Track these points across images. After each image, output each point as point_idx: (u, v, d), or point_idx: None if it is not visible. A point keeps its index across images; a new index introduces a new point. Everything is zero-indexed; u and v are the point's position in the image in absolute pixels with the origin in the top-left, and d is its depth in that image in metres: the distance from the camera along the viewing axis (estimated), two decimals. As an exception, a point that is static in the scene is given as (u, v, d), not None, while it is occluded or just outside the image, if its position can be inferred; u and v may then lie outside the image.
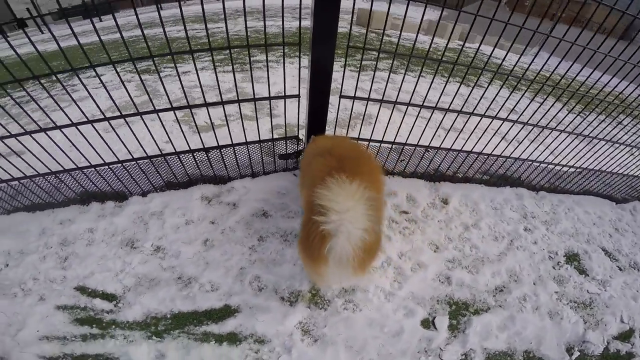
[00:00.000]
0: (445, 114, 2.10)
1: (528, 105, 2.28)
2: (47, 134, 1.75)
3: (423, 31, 11.07)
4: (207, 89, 3.89)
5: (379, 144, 2.37)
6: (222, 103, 1.93)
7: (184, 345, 1.60)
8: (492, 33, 1.68)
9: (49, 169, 2.00)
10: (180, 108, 1.90)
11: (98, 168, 2.09)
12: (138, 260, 1.93)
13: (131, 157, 2.09)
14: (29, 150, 1.81)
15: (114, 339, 1.61)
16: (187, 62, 4.86)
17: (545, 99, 2.10)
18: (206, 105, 1.91)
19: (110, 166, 2.09)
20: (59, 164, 1.97)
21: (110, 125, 1.80)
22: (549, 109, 2.19)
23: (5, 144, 1.69)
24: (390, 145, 2.36)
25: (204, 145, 2.16)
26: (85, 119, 1.74)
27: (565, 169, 2.59)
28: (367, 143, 2.37)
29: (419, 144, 2.36)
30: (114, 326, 1.66)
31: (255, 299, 1.79)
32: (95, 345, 1.58)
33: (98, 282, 1.82)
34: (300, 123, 2.27)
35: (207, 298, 1.78)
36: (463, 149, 2.38)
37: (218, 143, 2.18)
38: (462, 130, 2.24)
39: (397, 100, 2.00)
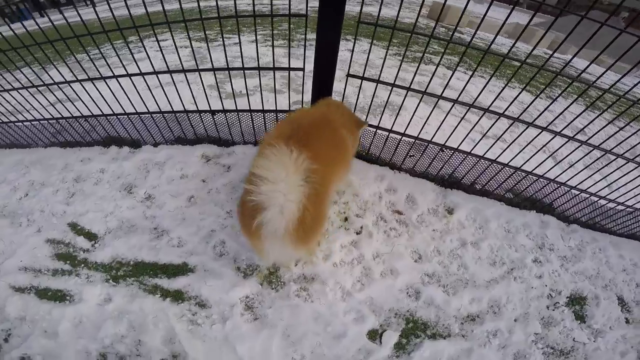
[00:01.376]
0: (468, 110, 1.80)
1: (603, 128, 1.77)
2: (106, 81, 1.96)
3: (506, 34, 9.77)
4: (250, 59, 4.11)
5: (388, 133, 2.19)
6: (228, 69, 1.96)
7: (131, 294, 1.72)
8: (593, 47, 1.40)
9: (81, 113, 2.27)
10: (190, 71, 1.95)
11: (119, 117, 2.32)
12: (127, 205, 2.12)
13: (146, 110, 2.26)
14: (87, 93, 2.09)
15: (77, 277, 1.79)
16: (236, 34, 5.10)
17: (629, 124, 1.65)
18: (213, 70, 1.96)
19: (129, 116, 2.31)
20: (89, 110, 2.22)
21: (158, 79, 1.92)
22: (629, 137, 1.76)
23: (72, 88, 2.02)
24: (399, 137, 2.16)
25: (210, 107, 2.22)
26: (139, 72, 1.91)
27: (611, 205, 2.11)
28: (374, 130, 2.21)
29: (433, 140, 2.12)
30: (83, 265, 1.85)
31: (212, 262, 1.84)
32: (59, 281, 1.78)
33: (88, 221, 2.05)
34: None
35: (170, 252, 1.88)
36: (485, 156, 2.07)
37: (223, 107, 2.23)
38: (487, 132, 1.94)
39: (412, 87, 1.79)
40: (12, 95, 2.13)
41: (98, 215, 2.07)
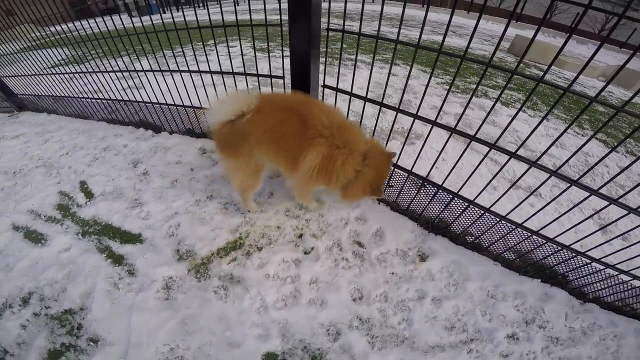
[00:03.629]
0: (469, 138, 1.58)
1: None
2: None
3: (603, 77, 8.14)
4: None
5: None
6: (222, 73, 2.15)
7: (86, 248, 1.94)
8: None
9: (111, 98, 2.73)
10: (215, 72, 2.19)
11: (154, 105, 2.71)
12: (126, 176, 2.43)
13: (168, 103, 2.61)
14: (149, 84, 2.53)
15: (60, 226, 2.09)
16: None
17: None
18: (210, 72, 2.17)
19: (154, 105, 2.68)
20: (127, 96, 2.67)
21: (201, 79, 2.27)
22: None
23: (140, 78, 2.46)
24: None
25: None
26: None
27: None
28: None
29: (413, 171, 1.91)
30: (70, 217, 2.16)
31: (160, 240, 1.97)
32: (45, 226, 2.10)
33: (94, 182, 2.41)
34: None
35: (134, 222, 2.08)
36: (476, 202, 1.74)
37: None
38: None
39: (401, 109, 1.68)
40: (105, 77, 2.70)
41: (103, 179, 2.42)
